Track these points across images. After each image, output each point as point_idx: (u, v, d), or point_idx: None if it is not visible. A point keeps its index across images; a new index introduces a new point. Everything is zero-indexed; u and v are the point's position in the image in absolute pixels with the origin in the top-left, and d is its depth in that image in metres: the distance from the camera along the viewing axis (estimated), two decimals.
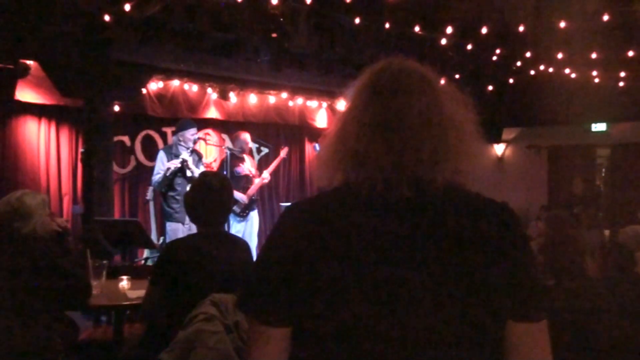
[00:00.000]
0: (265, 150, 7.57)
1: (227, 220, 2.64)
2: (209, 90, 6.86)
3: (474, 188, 0.97)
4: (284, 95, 7.34)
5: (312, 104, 7.92)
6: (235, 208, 5.73)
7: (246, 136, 5.92)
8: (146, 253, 5.90)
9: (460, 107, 0.99)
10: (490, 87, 7.44)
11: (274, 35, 5.14)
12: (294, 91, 7.30)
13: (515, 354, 0.93)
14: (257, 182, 5.94)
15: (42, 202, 2.68)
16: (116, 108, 5.73)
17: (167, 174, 5.03)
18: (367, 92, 0.99)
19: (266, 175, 6.06)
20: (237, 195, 5.70)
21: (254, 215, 5.99)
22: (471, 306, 0.87)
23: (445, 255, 0.88)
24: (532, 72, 7.07)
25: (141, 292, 2.62)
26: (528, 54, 6.49)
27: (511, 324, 0.92)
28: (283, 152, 6.35)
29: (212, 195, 2.36)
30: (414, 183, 0.92)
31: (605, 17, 5.45)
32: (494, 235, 0.91)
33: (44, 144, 6.01)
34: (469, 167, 0.96)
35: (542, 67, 6.90)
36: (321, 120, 8.10)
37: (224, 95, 6.86)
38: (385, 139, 0.93)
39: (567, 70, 6.91)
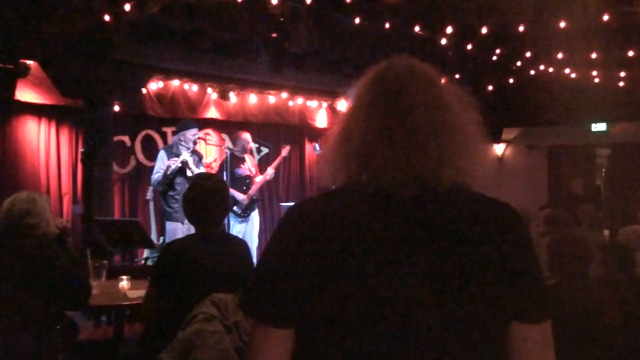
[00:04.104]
0: (265, 150, 7.57)
1: (224, 220, 2.66)
2: (209, 90, 6.85)
3: (475, 188, 0.97)
4: (284, 95, 7.34)
5: (312, 104, 7.92)
6: (236, 209, 5.72)
7: (247, 136, 5.92)
8: (146, 253, 5.90)
9: (464, 107, 0.99)
10: (490, 87, 7.43)
11: (274, 35, 5.14)
12: (294, 91, 7.29)
13: (518, 355, 0.93)
14: (259, 179, 5.92)
15: (47, 202, 2.71)
16: (116, 108, 5.73)
17: (168, 173, 5.03)
18: (371, 92, 0.99)
19: (270, 171, 6.03)
20: (238, 195, 5.69)
21: (255, 216, 5.98)
22: (474, 306, 0.87)
23: (449, 255, 0.88)
24: (532, 72, 7.07)
25: (141, 292, 2.63)
26: (528, 54, 6.48)
27: (514, 324, 0.92)
28: (285, 151, 6.30)
29: (205, 197, 2.38)
30: (419, 183, 0.92)
31: (605, 17, 5.44)
32: (498, 236, 0.91)
33: (44, 144, 6.00)
34: (473, 167, 0.96)
35: (542, 67, 6.89)
36: (321, 120, 8.10)
37: (224, 95, 6.85)
38: (390, 138, 0.93)
39: (567, 70, 6.90)
